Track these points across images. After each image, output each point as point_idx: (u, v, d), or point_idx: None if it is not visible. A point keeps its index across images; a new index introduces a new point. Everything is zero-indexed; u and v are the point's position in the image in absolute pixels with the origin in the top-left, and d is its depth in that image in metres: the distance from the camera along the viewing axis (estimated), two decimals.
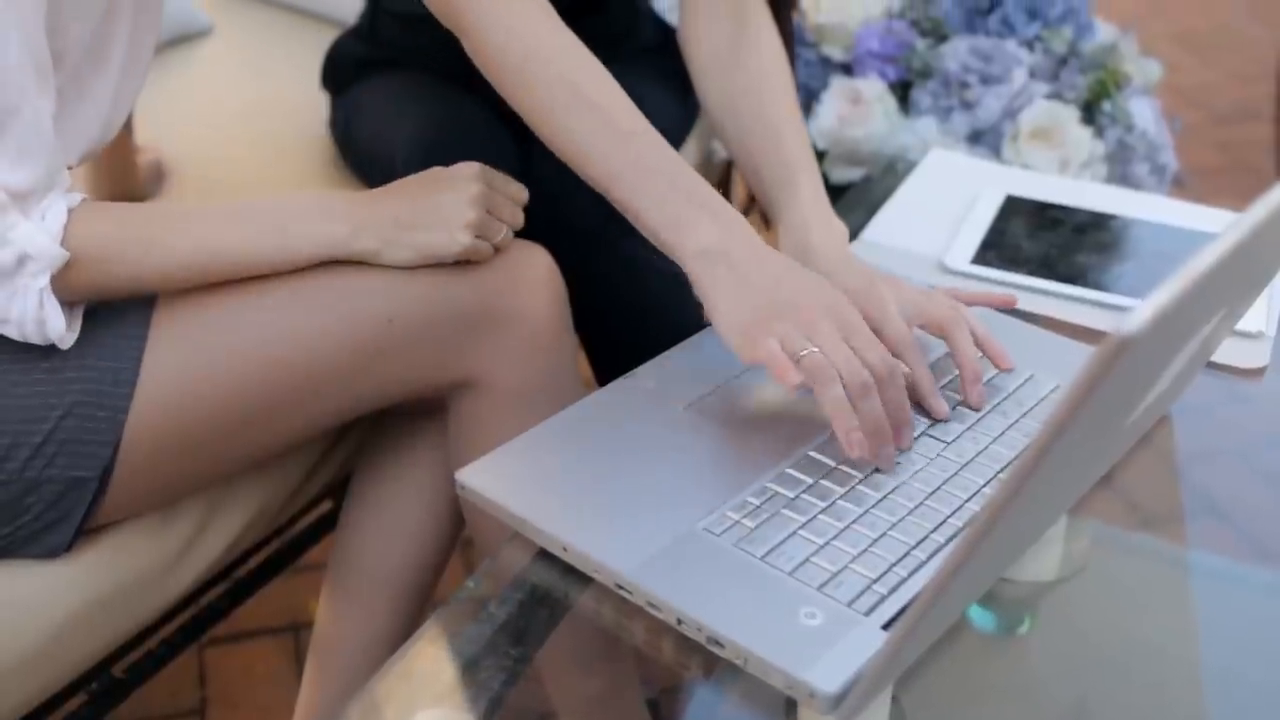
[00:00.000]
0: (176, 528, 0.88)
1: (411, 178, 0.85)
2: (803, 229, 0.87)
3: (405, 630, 0.98)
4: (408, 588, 0.97)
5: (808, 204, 0.88)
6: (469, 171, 0.85)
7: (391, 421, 0.98)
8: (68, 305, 0.76)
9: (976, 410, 0.78)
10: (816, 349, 0.71)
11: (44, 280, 0.74)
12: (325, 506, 1.12)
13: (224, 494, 0.91)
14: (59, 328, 0.75)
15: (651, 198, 0.77)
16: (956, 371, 0.79)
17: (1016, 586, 0.70)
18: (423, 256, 0.82)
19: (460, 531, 1.00)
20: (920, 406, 0.77)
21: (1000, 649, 0.70)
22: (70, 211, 0.74)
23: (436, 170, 0.85)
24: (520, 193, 0.87)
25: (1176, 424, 0.82)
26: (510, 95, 0.82)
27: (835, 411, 0.70)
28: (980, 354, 0.80)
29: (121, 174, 1.20)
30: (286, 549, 1.10)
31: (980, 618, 0.69)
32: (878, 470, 0.72)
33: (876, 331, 0.75)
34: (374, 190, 0.85)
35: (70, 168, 0.80)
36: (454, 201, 0.82)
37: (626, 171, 0.78)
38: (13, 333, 0.75)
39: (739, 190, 1.67)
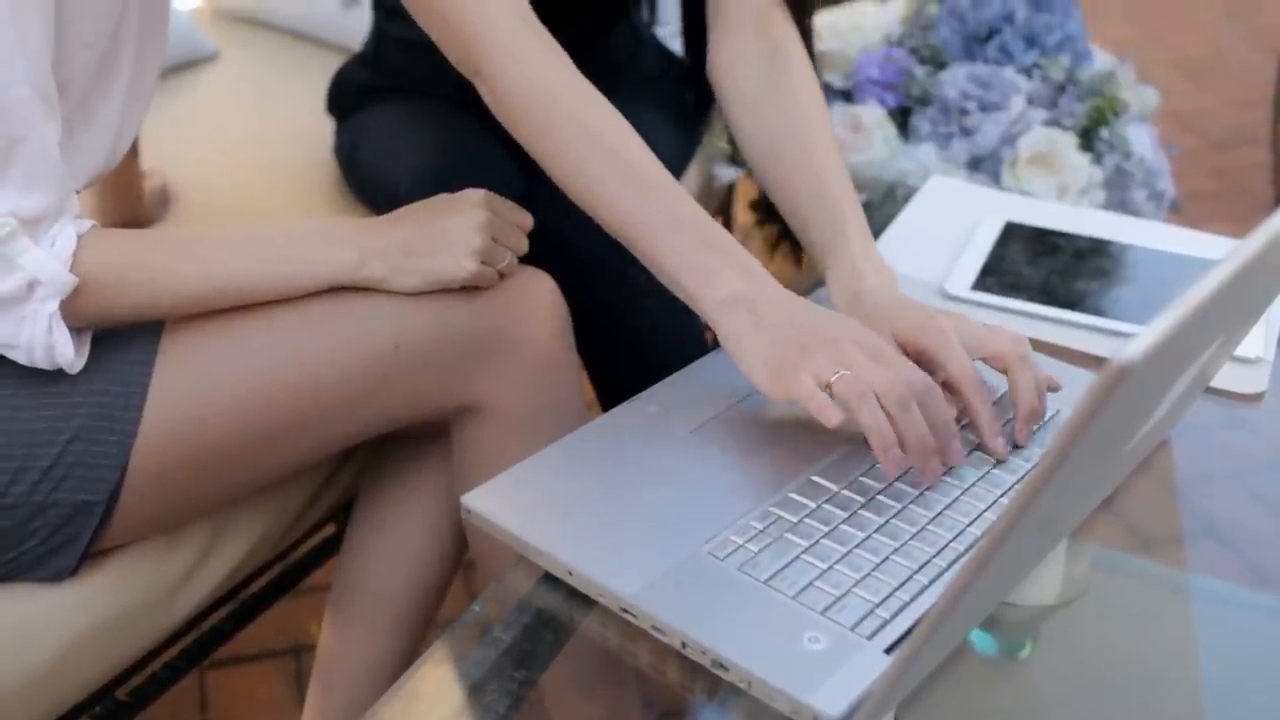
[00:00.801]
0: (181, 552, 0.89)
1: (418, 204, 0.86)
2: (854, 276, 0.86)
3: (408, 653, 0.98)
4: (411, 610, 0.97)
5: (857, 250, 0.88)
6: (474, 198, 0.85)
7: (395, 445, 0.98)
8: (76, 331, 0.77)
9: (1023, 448, 0.77)
10: (848, 371, 0.71)
11: (53, 306, 0.74)
12: (329, 530, 1.12)
13: (228, 518, 0.92)
14: (67, 353, 0.76)
15: (673, 247, 0.78)
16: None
17: (1018, 610, 0.70)
18: (429, 282, 0.83)
19: (463, 554, 1.00)
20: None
21: (1002, 673, 0.70)
22: (80, 238, 0.75)
23: (442, 197, 0.86)
24: (525, 219, 0.88)
25: (1176, 448, 0.82)
26: (529, 142, 0.82)
27: (872, 427, 0.70)
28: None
29: (127, 198, 1.20)
30: (289, 572, 1.11)
31: (982, 642, 0.70)
32: (861, 493, 0.72)
33: (940, 367, 0.75)
34: (380, 217, 0.86)
35: (77, 191, 0.81)
36: (460, 227, 0.83)
37: (648, 221, 0.79)
38: (21, 358, 0.76)
39: (740, 215, 1.68)
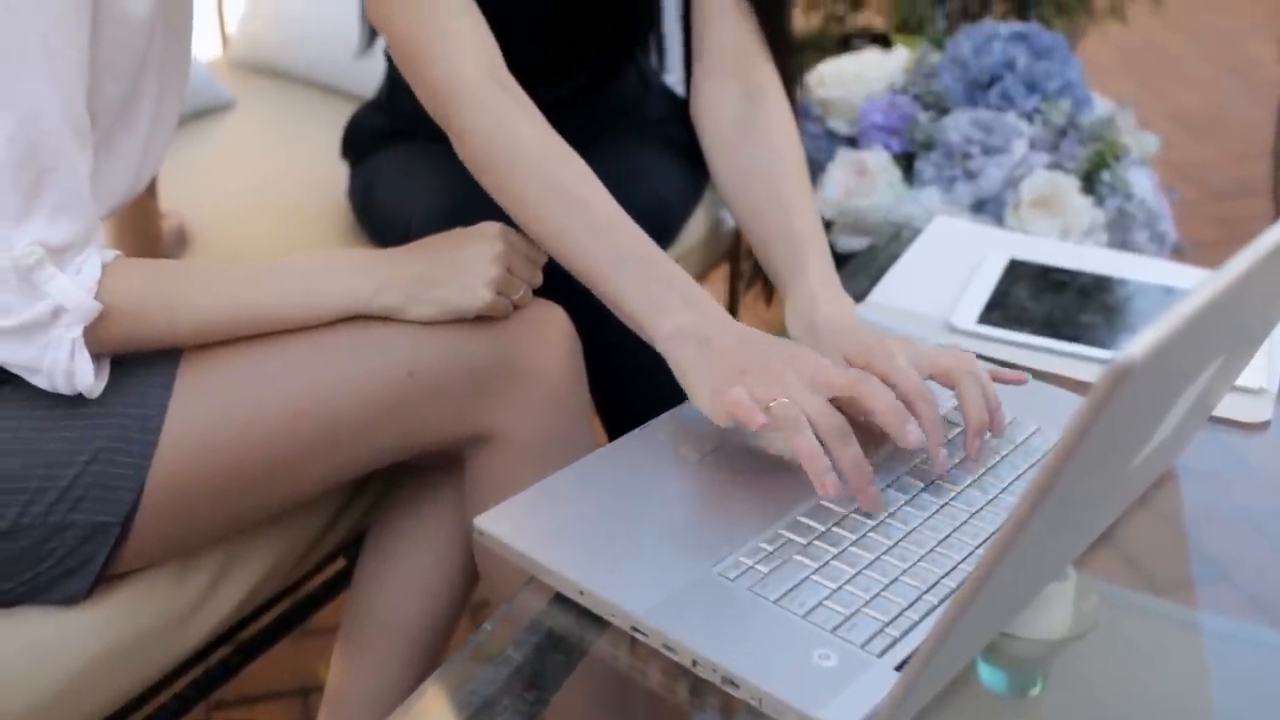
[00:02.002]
0: (194, 579, 0.89)
1: (434, 236, 0.88)
2: (810, 305, 0.89)
3: (416, 684, 0.98)
4: (420, 641, 0.98)
5: (815, 281, 0.90)
6: (490, 230, 0.87)
7: (408, 477, 0.99)
8: (96, 357, 0.78)
9: (974, 460, 0.79)
10: (785, 399, 0.72)
11: (76, 332, 0.76)
12: (340, 564, 1.13)
13: (241, 547, 0.93)
14: (88, 379, 0.77)
15: (629, 285, 0.82)
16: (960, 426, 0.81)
17: (1028, 645, 0.70)
18: (445, 312, 0.85)
19: (473, 587, 1.00)
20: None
21: (1013, 711, 0.70)
22: (104, 266, 0.77)
23: (459, 229, 0.88)
24: (538, 252, 0.90)
25: (1181, 479, 0.83)
26: (494, 192, 0.87)
27: (807, 454, 0.72)
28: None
29: (145, 237, 1.22)
30: (300, 605, 1.11)
31: (992, 679, 0.70)
32: (869, 516, 0.73)
33: (888, 383, 0.77)
34: (397, 248, 0.88)
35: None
36: (476, 258, 0.85)
37: (605, 262, 0.82)
38: (43, 383, 0.77)
39: (747, 259, 1.70)
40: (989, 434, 0.80)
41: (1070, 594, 0.74)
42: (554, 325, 0.90)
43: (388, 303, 0.84)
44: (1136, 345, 0.43)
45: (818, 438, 0.72)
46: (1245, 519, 0.83)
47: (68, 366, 0.76)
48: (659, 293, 0.81)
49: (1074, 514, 0.58)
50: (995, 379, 0.85)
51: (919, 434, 0.74)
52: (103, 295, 0.77)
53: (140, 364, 0.82)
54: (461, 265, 0.85)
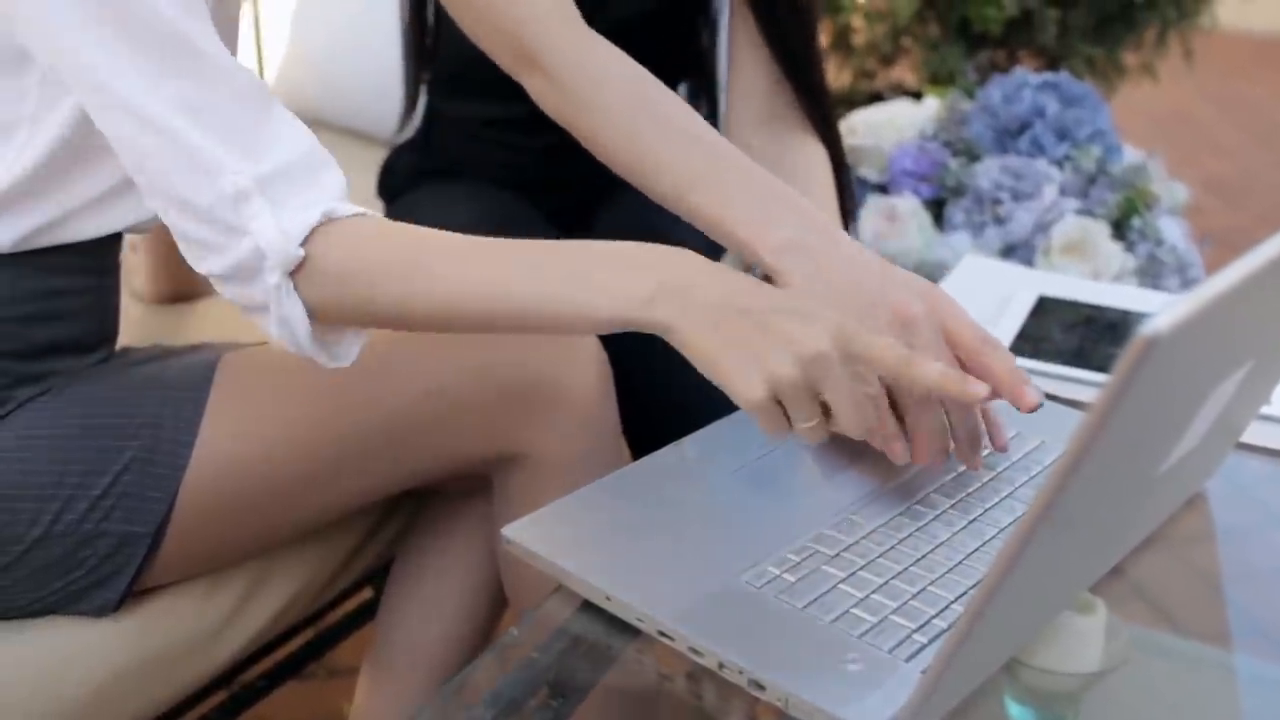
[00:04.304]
0: (222, 596, 0.90)
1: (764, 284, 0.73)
2: None
3: None
4: (444, 668, 0.97)
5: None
6: (831, 322, 0.68)
7: (436, 502, 1.00)
8: (337, 329, 0.74)
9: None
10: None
11: (276, 278, 0.70)
12: (366, 594, 1.13)
13: (270, 566, 0.93)
14: (303, 329, 0.71)
15: (727, 196, 0.78)
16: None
17: (1057, 679, 0.69)
18: (700, 367, 0.69)
19: (500, 614, 1.00)
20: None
21: None
22: (331, 219, 0.71)
23: (806, 282, 0.77)
24: (871, 374, 0.71)
25: (1212, 502, 0.82)
26: (580, 121, 0.85)
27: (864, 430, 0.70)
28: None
29: (181, 268, 1.24)
30: (326, 635, 1.11)
31: (1021, 716, 0.69)
32: (908, 517, 0.73)
33: (953, 333, 0.75)
34: (704, 262, 0.71)
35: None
36: (788, 339, 0.67)
37: (700, 175, 0.80)
38: (274, 333, 0.73)
39: None
40: (998, 446, 0.78)
41: (1100, 628, 0.73)
42: (584, 346, 0.90)
43: (668, 318, 0.68)
44: (1163, 318, 0.43)
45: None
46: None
47: (280, 314, 0.71)
48: (764, 203, 0.77)
49: (1101, 510, 0.57)
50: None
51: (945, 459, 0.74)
52: (314, 246, 0.70)
53: (175, 375, 0.83)
54: (772, 332, 0.67)
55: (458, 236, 0.73)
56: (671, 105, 0.84)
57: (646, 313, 0.68)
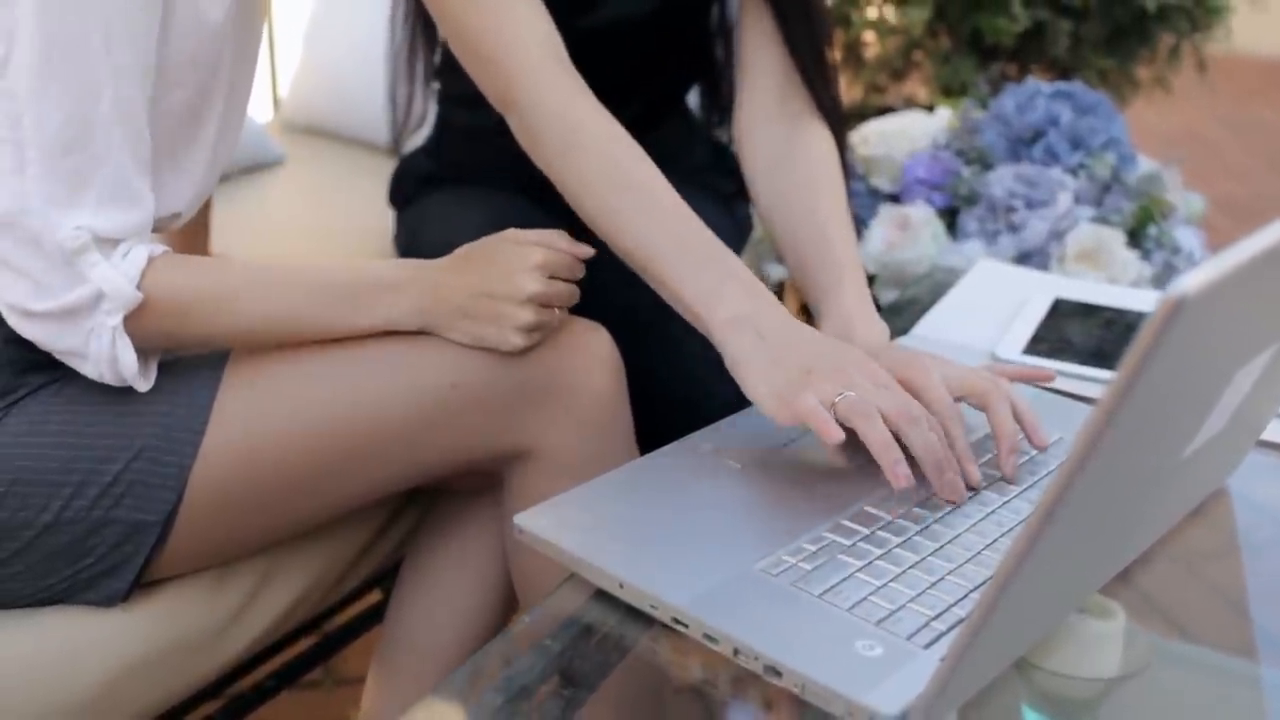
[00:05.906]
0: (232, 589, 0.89)
1: (476, 248, 0.87)
2: (844, 326, 0.89)
3: None
4: (453, 667, 0.96)
5: (851, 302, 0.90)
6: (527, 242, 0.85)
7: (446, 500, 0.99)
8: (144, 352, 0.79)
9: (1010, 482, 0.77)
10: (851, 393, 0.72)
11: (116, 320, 0.77)
12: (375, 597, 1.12)
13: (278, 562, 0.92)
14: (131, 367, 0.78)
15: (689, 269, 0.81)
16: (993, 451, 0.79)
17: (1076, 684, 0.68)
18: (479, 344, 0.85)
19: (510, 613, 0.99)
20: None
21: None
22: (150, 259, 0.78)
23: (499, 242, 0.87)
24: (580, 248, 0.88)
25: (1235, 506, 0.81)
26: (552, 171, 0.87)
27: (879, 445, 0.71)
28: (1019, 430, 0.79)
29: None
30: (335, 636, 1.10)
31: None
32: (925, 509, 0.72)
33: (921, 399, 0.76)
34: (443, 266, 0.86)
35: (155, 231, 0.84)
36: (514, 292, 0.83)
37: (666, 245, 0.82)
38: (91, 371, 0.78)
39: (790, 303, 1.70)
40: (1033, 450, 0.79)
41: (1119, 633, 0.72)
42: (598, 344, 0.90)
43: (426, 323, 0.85)
44: (1192, 279, 0.42)
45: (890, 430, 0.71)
46: None
47: (111, 354, 0.77)
48: (719, 280, 0.80)
49: (1124, 489, 0.57)
50: (1025, 377, 0.85)
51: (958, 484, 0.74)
52: (145, 286, 0.77)
53: (187, 364, 0.83)
54: (500, 299, 0.83)
55: (255, 266, 0.83)
56: (641, 171, 0.86)
57: (413, 323, 0.84)
